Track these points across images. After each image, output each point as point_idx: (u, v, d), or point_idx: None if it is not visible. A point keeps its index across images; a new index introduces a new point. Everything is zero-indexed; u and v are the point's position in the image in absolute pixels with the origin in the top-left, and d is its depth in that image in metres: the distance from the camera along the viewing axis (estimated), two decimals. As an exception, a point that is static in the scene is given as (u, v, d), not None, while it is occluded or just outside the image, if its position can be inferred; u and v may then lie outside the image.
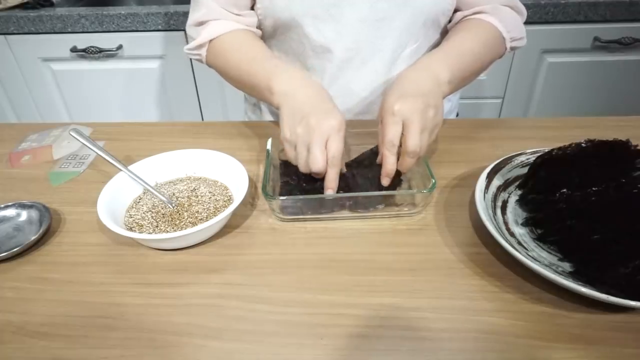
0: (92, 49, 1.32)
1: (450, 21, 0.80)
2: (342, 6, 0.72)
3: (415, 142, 0.54)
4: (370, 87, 0.79)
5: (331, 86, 0.79)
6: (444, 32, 0.81)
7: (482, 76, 1.48)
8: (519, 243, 0.51)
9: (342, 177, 0.58)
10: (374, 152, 0.64)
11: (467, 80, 0.71)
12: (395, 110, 0.56)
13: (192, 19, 0.76)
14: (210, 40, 0.74)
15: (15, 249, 0.52)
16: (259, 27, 0.81)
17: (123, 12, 1.27)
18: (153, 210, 0.58)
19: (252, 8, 0.79)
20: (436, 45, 0.81)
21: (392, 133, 0.55)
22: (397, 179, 0.58)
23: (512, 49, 0.76)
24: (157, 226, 0.55)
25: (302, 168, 0.56)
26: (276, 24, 0.76)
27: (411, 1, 0.72)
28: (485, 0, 0.74)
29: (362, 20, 0.73)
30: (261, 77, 0.66)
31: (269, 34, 0.81)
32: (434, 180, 0.55)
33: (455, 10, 0.78)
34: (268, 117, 0.90)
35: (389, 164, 0.55)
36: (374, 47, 0.76)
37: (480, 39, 0.71)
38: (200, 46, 0.75)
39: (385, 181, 0.57)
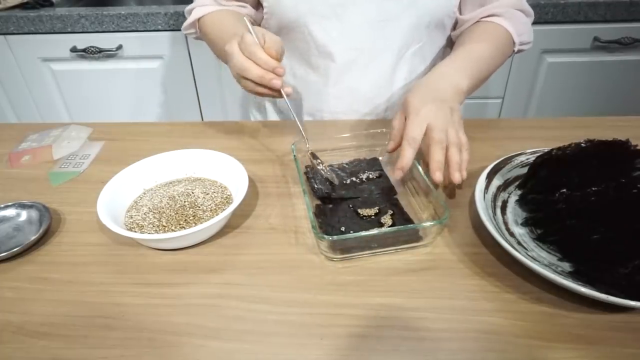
0: (92, 49, 1.32)
1: (456, 23, 0.80)
2: (348, 6, 0.72)
3: (462, 137, 0.58)
4: (374, 88, 0.80)
5: (336, 86, 0.80)
6: (448, 34, 0.81)
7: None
8: (519, 243, 0.51)
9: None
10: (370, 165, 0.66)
11: (479, 86, 0.72)
12: (422, 112, 0.58)
13: (187, 7, 0.82)
14: (198, 20, 0.80)
15: (15, 249, 0.52)
16: (262, 26, 0.82)
17: (123, 12, 1.27)
18: (153, 211, 0.58)
19: (256, 8, 0.80)
20: (440, 46, 0.81)
21: (415, 131, 0.57)
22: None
23: (519, 51, 0.78)
24: (157, 226, 0.55)
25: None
26: (282, 22, 0.77)
27: (416, 2, 0.72)
28: (497, 3, 0.75)
29: (367, 21, 0.73)
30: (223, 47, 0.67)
31: (273, 34, 0.81)
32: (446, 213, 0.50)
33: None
34: (273, 117, 0.91)
35: (407, 157, 0.56)
36: (379, 47, 0.76)
37: (497, 45, 0.73)
38: (191, 25, 0.81)
39: (398, 174, 0.56)
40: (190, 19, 0.81)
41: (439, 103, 0.59)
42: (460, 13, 0.78)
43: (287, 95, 0.60)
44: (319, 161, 0.62)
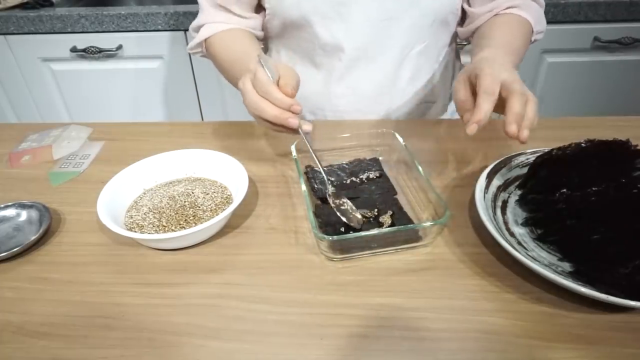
0: (92, 49, 1.32)
1: (463, 19, 0.79)
2: (351, 5, 0.72)
3: (533, 96, 0.53)
4: (377, 87, 0.80)
5: (339, 84, 0.80)
6: (453, 32, 0.81)
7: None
8: (519, 243, 0.51)
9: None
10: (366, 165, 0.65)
11: None
12: (495, 68, 0.54)
13: (193, 23, 0.80)
14: (205, 40, 0.78)
15: (15, 249, 0.52)
16: (264, 28, 0.82)
17: (123, 12, 1.27)
18: (153, 211, 0.58)
19: (257, 11, 0.80)
20: (444, 44, 0.81)
21: (493, 84, 0.52)
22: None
23: (534, 41, 0.78)
24: (157, 226, 0.55)
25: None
26: (285, 23, 0.77)
27: (419, 1, 0.72)
28: None
29: (370, 20, 0.73)
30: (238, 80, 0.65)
31: (276, 34, 0.81)
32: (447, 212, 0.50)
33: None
34: None
35: (485, 110, 0.51)
36: (382, 46, 0.76)
37: (523, 36, 0.72)
38: (197, 45, 0.80)
39: (473, 128, 0.51)
40: (197, 39, 0.79)
41: (508, 66, 0.56)
42: (470, 5, 0.78)
43: (307, 133, 0.57)
44: (343, 201, 0.57)
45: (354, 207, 0.56)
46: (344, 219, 0.54)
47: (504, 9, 0.75)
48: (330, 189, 0.58)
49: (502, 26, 0.73)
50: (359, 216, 0.55)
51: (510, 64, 0.60)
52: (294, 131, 0.56)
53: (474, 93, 0.55)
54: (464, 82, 0.57)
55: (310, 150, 0.58)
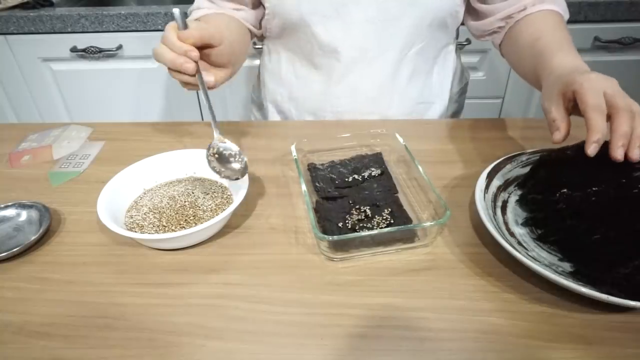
0: (92, 49, 1.32)
1: (474, 14, 0.79)
2: (350, 5, 0.72)
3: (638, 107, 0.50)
4: (377, 87, 0.80)
5: (339, 85, 0.80)
6: (452, 33, 0.81)
7: (481, 76, 1.48)
8: (519, 243, 0.51)
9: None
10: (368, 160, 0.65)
11: None
12: (593, 80, 0.52)
13: (188, 11, 0.81)
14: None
15: (15, 249, 0.52)
16: (264, 28, 0.82)
17: (123, 12, 1.27)
18: (153, 211, 0.58)
19: (256, 7, 0.80)
20: (442, 45, 0.81)
21: (598, 98, 0.49)
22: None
23: None
24: (157, 226, 0.55)
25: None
26: (284, 23, 0.77)
27: (418, 2, 0.72)
28: None
29: (369, 20, 0.74)
30: None
31: (276, 34, 0.82)
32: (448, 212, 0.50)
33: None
34: (275, 117, 0.91)
35: (601, 126, 0.48)
36: (381, 46, 0.76)
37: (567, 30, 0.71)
38: None
39: (595, 148, 0.48)
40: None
41: (600, 74, 0.53)
42: (485, 2, 0.76)
43: (207, 84, 0.58)
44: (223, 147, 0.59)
45: (239, 155, 0.58)
46: (214, 171, 0.57)
47: (539, 4, 0.72)
48: (216, 135, 0.60)
49: (552, 27, 0.70)
50: (236, 166, 0.57)
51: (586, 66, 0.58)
52: (193, 78, 0.58)
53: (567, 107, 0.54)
54: (557, 101, 0.54)
55: (205, 97, 0.60)
